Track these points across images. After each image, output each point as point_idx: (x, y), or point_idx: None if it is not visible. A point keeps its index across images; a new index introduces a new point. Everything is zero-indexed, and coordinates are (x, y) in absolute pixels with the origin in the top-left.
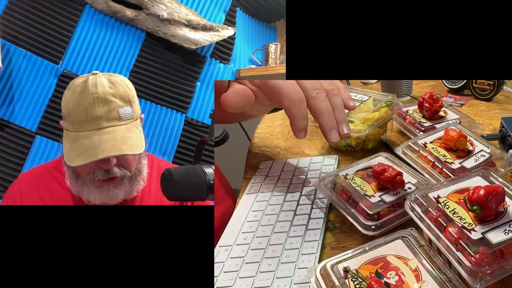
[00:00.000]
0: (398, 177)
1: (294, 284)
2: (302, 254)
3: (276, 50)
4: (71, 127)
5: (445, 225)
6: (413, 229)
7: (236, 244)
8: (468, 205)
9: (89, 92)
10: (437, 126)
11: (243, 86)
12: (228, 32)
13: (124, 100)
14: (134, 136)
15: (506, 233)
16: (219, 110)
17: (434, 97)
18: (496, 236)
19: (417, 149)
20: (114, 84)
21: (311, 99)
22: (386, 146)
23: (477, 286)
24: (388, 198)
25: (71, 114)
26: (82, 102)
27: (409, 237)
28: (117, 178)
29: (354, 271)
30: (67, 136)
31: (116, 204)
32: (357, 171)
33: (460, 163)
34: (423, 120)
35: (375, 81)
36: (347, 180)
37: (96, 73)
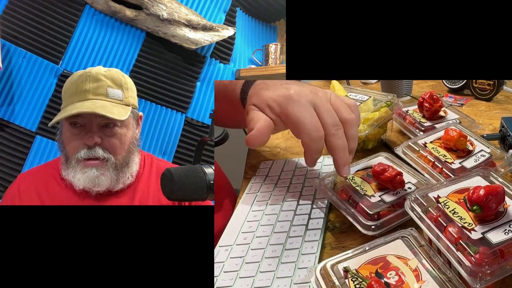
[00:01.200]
0: (398, 177)
1: (294, 284)
2: (302, 254)
3: (276, 50)
4: (64, 103)
5: (445, 225)
6: (413, 229)
7: (236, 244)
8: (468, 205)
9: (84, 72)
10: (437, 126)
11: (265, 120)
12: (228, 32)
13: (115, 82)
14: (115, 109)
15: (506, 233)
16: (219, 113)
17: (434, 97)
18: (496, 236)
19: (417, 149)
20: (109, 70)
21: (330, 136)
22: (386, 146)
23: (477, 286)
24: (388, 198)
25: (66, 92)
26: (76, 80)
27: (409, 237)
28: (99, 159)
29: (354, 271)
30: (59, 112)
31: (99, 191)
32: (357, 171)
33: (460, 163)
34: (423, 120)
35: (375, 81)
36: (347, 180)
37: (99, 67)
